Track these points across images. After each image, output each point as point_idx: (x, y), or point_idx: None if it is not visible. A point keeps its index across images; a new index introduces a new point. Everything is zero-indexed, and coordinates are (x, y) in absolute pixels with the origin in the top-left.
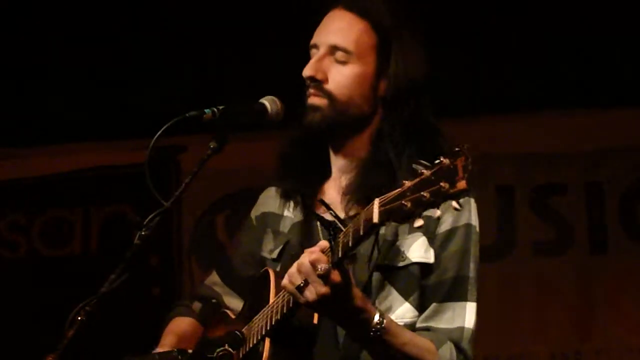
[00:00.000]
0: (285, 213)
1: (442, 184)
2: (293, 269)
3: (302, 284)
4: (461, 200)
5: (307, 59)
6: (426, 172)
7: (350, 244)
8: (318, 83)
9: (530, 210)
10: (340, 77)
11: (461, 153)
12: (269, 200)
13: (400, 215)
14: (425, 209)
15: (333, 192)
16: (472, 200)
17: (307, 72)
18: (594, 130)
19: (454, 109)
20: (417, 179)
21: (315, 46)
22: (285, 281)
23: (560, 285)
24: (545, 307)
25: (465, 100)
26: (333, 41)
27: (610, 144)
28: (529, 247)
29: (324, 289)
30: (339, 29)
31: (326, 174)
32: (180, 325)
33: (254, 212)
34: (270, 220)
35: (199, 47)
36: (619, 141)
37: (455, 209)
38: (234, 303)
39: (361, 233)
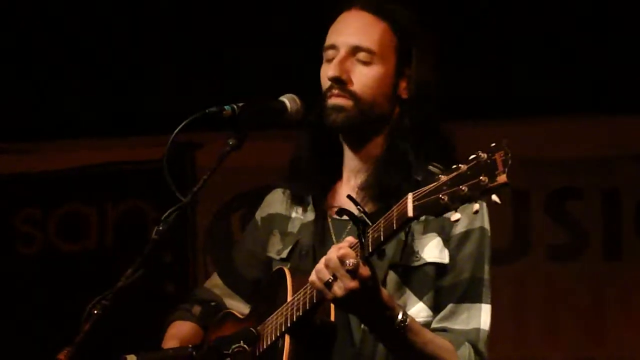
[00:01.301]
0: (294, 214)
1: (481, 177)
2: (320, 264)
3: (330, 280)
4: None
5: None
6: (463, 167)
7: (382, 238)
8: (343, 84)
9: (545, 214)
10: (365, 78)
11: (500, 147)
12: (276, 202)
13: (435, 209)
14: (463, 204)
15: (345, 192)
16: (485, 205)
17: (332, 73)
18: (612, 136)
19: (470, 112)
20: (454, 174)
21: (333, 47)
22: (312, 277)
23: (573, 291)
24: (558, 311)
25: (482, 104)
26: (355, 42)
27: (628, 150)
28: (543, 252)
29: (352, 284)
30: (359, 30)
31: (337, 176)
32: (181, 330)
33: (260, 214)
34: (277, 221)
35: (215, 44)
36: (637, 147)
37: (476, 211)
38: (235, 305)
39: (394, 228)
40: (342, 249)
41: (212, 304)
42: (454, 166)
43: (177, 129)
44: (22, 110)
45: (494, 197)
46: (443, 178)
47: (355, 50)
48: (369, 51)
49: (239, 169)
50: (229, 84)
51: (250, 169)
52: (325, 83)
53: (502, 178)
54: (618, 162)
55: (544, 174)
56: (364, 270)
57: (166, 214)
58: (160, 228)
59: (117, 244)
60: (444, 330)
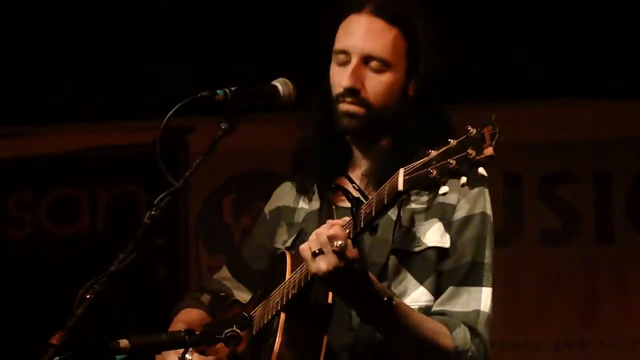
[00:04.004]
0: (300, 205)
1: (469, 150)
2: (313, 236)
3: (317, 251)
4: (476, 190)
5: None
6: (453, 142)
7: (373, 213)
8: (356, 93)
9: (537, 198)
10: (378, 86)
11: (488, 123)
12: (284, 195)
13: (425, 183)
14: (451, 176)
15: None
16: (487, 191)
17: (346, 83)
18: (604, 120)
19: (464, 96)
20: (444, 148)
21: (345, 52)
22: (303, 246)
23: (565, 274)
24: (550, 295)
25: (475, 88)
26: (368, 51)
27: (620, 134)
28: (536, 235)
29: (338, 263)
30: (372, 38)
31: (342, 166)
32: (190, 315)
33: (268, 207)
34: (284, 213)
35: (208, 28)
36: (628, 131)
37: (463, 184)
38: (244, 297)
39: (385, 202)
40: (333, 228)
41: (222, 294)
42: (445, 142)
43: (170, 113)
44: (14, 94)
45: (481, 170)
46: (433, 153)
47: (367, 58)
48: (382, 60)
49: (231, 152)
50: (221, 69)
51: (242, 153)
52: (337, 87)
53: (488, 151)
54: (610, 145)
55: (536, 158)
56: (351, 253)
57: (158, 198)
58: (153, 212)
59: (108, 228)
60: (442, 313)
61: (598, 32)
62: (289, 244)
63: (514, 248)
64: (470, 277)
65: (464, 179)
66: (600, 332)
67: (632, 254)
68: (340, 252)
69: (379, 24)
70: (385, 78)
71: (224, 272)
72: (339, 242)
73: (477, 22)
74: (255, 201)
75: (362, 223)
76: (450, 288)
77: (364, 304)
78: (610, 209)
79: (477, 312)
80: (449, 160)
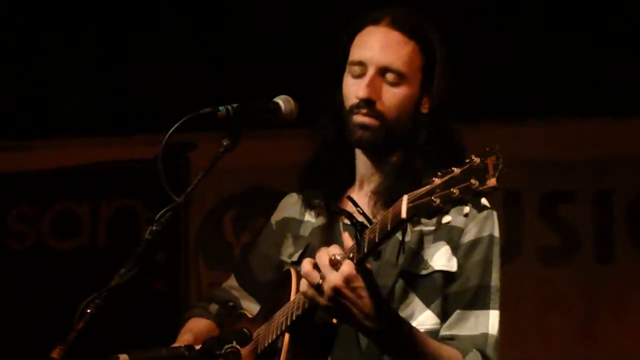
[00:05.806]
0: (306, 218)
1: (472, 180)
2: (309, 266)
3: (320, 282)
4: (484, 213)
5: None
6: (456, 170)
7: (376, 239)
8: (372, 105)
9: (537, 216)
10: (393, 99)
11: (492, 153)
12: (290, 206)
13: (428, 211)
14: (454, 206)
15: (357, 197)
16: (495, 214)
17: (362, 94)
18: (604, 138)
19: (465, 113)
20: (447, 177)
21: (361, 63)
22: (302, 282)
23: (565, 293)
24: (549, 314)
25: (476, 106)
26: (384, 62)
27: (620, 152)
28: (535, 254)
29: (340, 283)
30: (389, 50)
31: (350, 181)
32: (197, 325)
33: (275, 218)
34: (291, 225)
35: (211, 43)
36: (629, 150)
37: (466, 214)
38: (251, 307)
39: (388, 228)
40: (333, 248)
41: (230, 304)
42: (448, 170)
43: (172, 129)
44: (16, 108)
45: (483, 200)
46: (437, 181)
47: (384, 70)
48: (398, 73)
49: (232, 169)
50: (223, 85)
51: (243, 170)
52: (351, 99)
53: (491, 182)
54: (611, 164)
55: (536, 177)
56: (350, 268)
57: (160, 213)
58: (154, 228)
59: (109, 243)
60: (451, 338)
61: (599, 50)
62: (295, 258)
63: (513, 266)
64: (477, 301)
65: (466, 209)
66: (599, 351)
67: (632, 274)
68: (336, 266)
69: (396, 36)
70: (400, 91)
71: (232, 281)
72: (337, 257)
73: (479, 41)
74: (256, 218)
75: (365, 248)
76: (458, 312)
77: (381, 334)
78: (610, 228)
79: (486, 336)
80: (452, 189)
